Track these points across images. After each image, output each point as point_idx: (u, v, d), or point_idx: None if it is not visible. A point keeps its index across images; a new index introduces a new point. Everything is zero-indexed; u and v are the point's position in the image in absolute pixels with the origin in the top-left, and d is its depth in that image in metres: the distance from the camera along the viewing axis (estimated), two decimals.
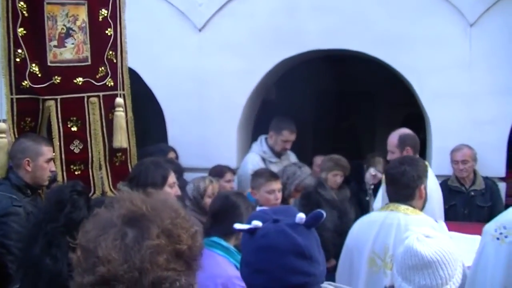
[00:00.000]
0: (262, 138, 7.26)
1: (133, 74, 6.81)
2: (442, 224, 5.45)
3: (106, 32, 5.08)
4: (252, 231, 2.28)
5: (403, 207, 4.16)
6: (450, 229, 5.31)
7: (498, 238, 3.88)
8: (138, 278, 1.82)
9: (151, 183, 4.54)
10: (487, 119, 7.24)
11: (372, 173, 7.04)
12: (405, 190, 4.19)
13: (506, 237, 3.85)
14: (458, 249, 4.06)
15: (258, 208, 5.07)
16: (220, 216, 4.12)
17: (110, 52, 5.09)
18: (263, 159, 7.09)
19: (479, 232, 4.87)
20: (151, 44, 7.68)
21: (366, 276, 4.20)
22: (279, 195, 5.77)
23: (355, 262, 4.30)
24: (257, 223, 2.28)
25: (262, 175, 5.85)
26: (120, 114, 5.04)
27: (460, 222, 6.36)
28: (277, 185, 5.78)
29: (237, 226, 2.36)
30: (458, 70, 7.33)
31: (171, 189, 4.69)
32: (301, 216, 2.28)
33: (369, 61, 7.80)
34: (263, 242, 2.24)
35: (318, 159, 8.05)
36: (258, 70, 7.64)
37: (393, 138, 6.10)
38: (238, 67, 7.59)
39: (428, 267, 2.87)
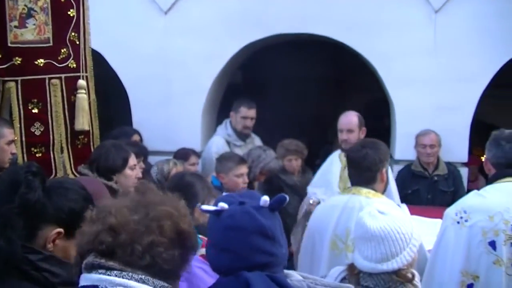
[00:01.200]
0: (227, 121, 7.24)
1: (98, 56, 6.75)
2: (405, 208, 5.51)
3: (69, 13, 4.98)
4: (219, 213, 2.38)
5: (364, 190, 4.18)
6: (412, 213, 5.35)
7: (458, 222, 3.98)
8: (142, 233, 2.04)
9: (112, 166, 4.53)
10: (451, 105, 7.31)
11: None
12: (366, 173, 4.21)
13: (466, 221, 3.94)
14: (418, 231, 4.15)
15: (224, 193, 5.11)
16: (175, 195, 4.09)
17: (73, 34, 5.00)
18: (228, 143, 7.07)
19: (441, 216, 4.94)
20: (116, 26, 7.60)
21: (328, 259, 4.22)
22: (246, 178, 5.79)
23: (317, 245, 4.32)
24: (223, 205, 2.38)
25: (231, 159, 5.85)
26: (82, 96, 4.96)
27: (423, 206, 6.42)
28: (245, 169, 5.82)
29: (204, 207, 2.46)
30: (423, 56, 7.38)
31: (132, 172, 4.67)
32: (265, 199, 2.39)
33: (335, 46, 7.81)
34: (229, 222, 2.34)
35: None
36: (223, 53, 7.61)
37: (353, 117, 6.12)
38: (203, 50, 7.55)
39: (372, 240, 2.96)
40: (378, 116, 9.67)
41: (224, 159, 5.89)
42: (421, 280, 3.39)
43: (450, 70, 7.34)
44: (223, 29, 7.56)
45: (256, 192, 2.71)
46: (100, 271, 2.00)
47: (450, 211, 4.09)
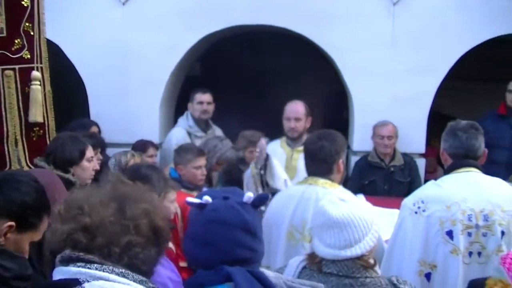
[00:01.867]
0: (188, 112, 7.23)
1: (54, 47, 6.67)
2: (362, 199, 5.56)
3: (23, 2, 4.91)
4: (202, 206, 2.42)
5: (321, 181, 4.19)
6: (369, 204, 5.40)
7: (416, 212, 4.01)
8: (118, 234, 2.00)
9: (69, 158, 4.47)
10: (409, 96, 7.38)
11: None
12: (323, 165, 4.22)
13: (424, 211, 3.98)
14: (376, 221, 4.18)
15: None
16: None
17: (27, 24, 4.93)
18: (189, 134, 7.06)
19: (397, 207, 4.98)
20: (73, 17, 7.49)
21: (285, 250, 4.24)
22: (205, 171, 5.77)
23: (274, 236, 4.31)
24: (207, 198, 2.43)
25: (190, 151, 5.81)
26: (36, 88, 4.89)
27: (379, 196, 6.45)
28: (203, 161, 5.79)
29: (189, 199, 2.49)
30: (381, 48, 7.44)
31: (89, 164, 4.63)
32: (249, 196, 2.47)
33: (295, 38, 7.82)
34: (213, 216, 2.39)
35: None
36: (181, 45, 7.56)
37: (299, 106, 6.17)
38: (161, 42, 7.50)
39: (334, 227, 2.94)
40: (337, 108, 9.72)
41: (182, 151, 5.85)
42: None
43: (407, 62, 7.41)
44: (180, 20, 7.51)
45: (238, 188, 2.73)
46: (79, 264, 1.96)
47: (408, 201, 4.12)
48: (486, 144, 7.09)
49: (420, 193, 4.14)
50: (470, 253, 3.90)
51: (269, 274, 2.49)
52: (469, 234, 3.89)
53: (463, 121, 4.22)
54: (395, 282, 2.99)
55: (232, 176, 6.61)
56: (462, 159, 4.08)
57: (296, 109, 6.19)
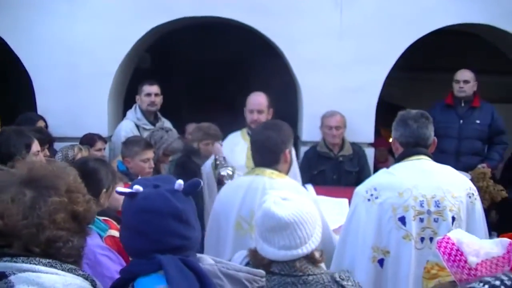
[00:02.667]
0: (136, 105, 7.17)
1: None
2: (310, 188, 5.59)
3: None
4: (133, 195, 2.38)
5: (268, 171, 4.18)
6: (318, 193, 5.44)
7: (369, 200, 4.06)
8: (35, 234, 1.96)
9: (14, 152, 4.39)
10: (357, 87, 7.45)
11: None
12: (270, 155, 4.21)
13: (376, 198, 4.03)
14: (325, 211, 4.23)
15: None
16: None
17: None
18: (137, 126, 7.01)
19: (347, 196, 5.03)
20: (18, 10, 7.37)
21: (233, 240, 4.23)
22: (153, 163, 5.76)
23: (223, 227, 4.31)
24: (138, 187, 2.38)
25: (137, 144, 5.78)
26: None
27: (328, 186, 6.48)
28: (151, 154, 5.79)
29: (119, 189, 2.47)
30: (329, 39, 7.48)
31: (35, 158, 4.55)
32: (179, 183, 2.42)
33: (244, 29, 7.82)
34: (143, 205, 2.35)
35: (190, 127, 8.09)
36: (129, 37, 7.49)
37: (262, 98, 6.17)
38: (108, 34, 7.42)
39: (286, 228, 2.90)
40: (286, 99, 9.75)
41: (130, 144, 5.82)
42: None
43: (355, 53, 7.48)
44: (127, 13, 7.44)
45: (170, 176, 2.70)
46: (4, 258, 1.94)
47: (361, 189, 4.16)
48: (435, 134, 7.26)
49: (373, 181, 4.20)
50: (422, 239, 3.97)
51: (207, 261, 2.48)
52: (421, 220, 3.96)
53: (413, 110, 4.28)
54: (338, 279, 2.98)
55: (186, 168, 6.60)
56: (413, 147, 4.15)
57: (259, 101, 6.19)
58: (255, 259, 3.04)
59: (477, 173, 7.10)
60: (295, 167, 5.78)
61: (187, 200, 2.44)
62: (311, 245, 2.96)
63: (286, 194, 3.09)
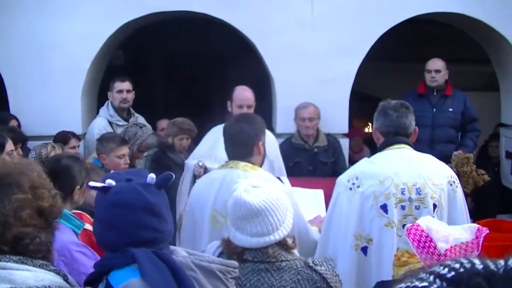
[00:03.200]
0: (108, 102, 7.15)
1: None
2: (285, 180, 5.61)
3: None
4: (106, 189, 2.41)
5: (242, 164, 4.18)
6: (294, 185, 5.46)
7: (350, 188, 4.10)
8: (1, 233, 1.96)
9: None
10: (330, 78, 7.47)
11: None
12: (243, 148, 4.21)
13: (358, 186, 4.07)
14: (300, 203, 4.26)
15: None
16: (52, 179, 4.00)
17: None
18: (110, 123, 6.99)
19: (321, 187, 5.07)
20: None
21: (209, 234, 4.22)
22: (128, 159, 5.75)
23: (198, 221, 4.30)
24: (110, 181, 2.41)
25: (112, 140, 5.77)
26: None
27: (304, 177, 6.50)
28: (126, 150, 5.78)
29: (92, 183, 2.51)
30: (301, 31, 7.48)
31: (9, 158, 4.53)
32: (152, 177, 2.45)
33: (220, 24, 7.80)
34: (115, 198, 2.39)
35: (162, 123, 8.11)
36: (101, 33, 7.41)
37: (249, 93, 6.16)
38: (80, 31, 7.33)
39: (258, 215, 2.94)
40: (263, 92, 9.76)
41: (105, 140, 5.81)
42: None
43: (328, 44, 7.48)
44: (98, 9, 7.37)
45: (143, 170, 2.72)
46: None
47: (343, 178, 4.21)
48: None
49: (354, 170, 4.24)
50: (404, 226, 3.99)
51: (180, 253, 2.49)
52: (403, 207, 4.02)
53: (393, 100, 4.33)
54: (311, 264, 3.03)
55: (160, 163, 6.61)
56: (393, 136, 4.19)
57: (247, 96, 6.17)
58: (228, 248, 3.08)
59: (461, 158, 7.17)
60: (280, 162, 5.79)
61: (159, 194, 2.47)
62: (283, 231, 3.01)
63: (256, 182, 3.12)
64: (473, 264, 1.06)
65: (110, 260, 2.41)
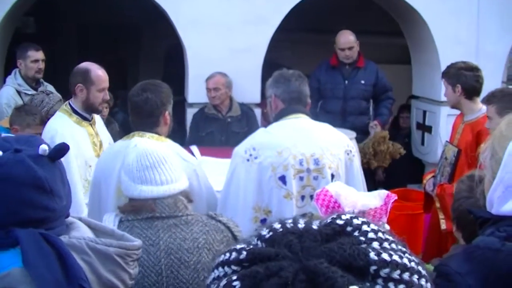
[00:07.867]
0: (16, 70, 6.90)
1: None
2: (195, 150, 5.58)
3: None
4: None
5: (148, 134, 4.05)
6: (204, 155, 5.43)
7: (248, 160, 4.04)
8: None
9: None
10: (243, 47, 7.43)
11: None
12: (149, 118, 4.06)
13: (255, 158, 4.02)
14: (210, 173, 4.25)
15: None
16: None
17: None
18: (19, 92, 6.76)
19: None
20: None
21: (115, 206, 4.14)
22: None
23: (103, 194, 4.14)
24: None
25: (33, 117, 5.57)
26: None
27: (215, 147, 6.44)
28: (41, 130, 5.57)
29: None
30: None
31: None
32: (44, 148, 2.16)
33: None
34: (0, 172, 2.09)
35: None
36: None
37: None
38: None
39: (164, 162, 3.01)
40: (178, 61, 9.67)
41: (24, 113, 5.61)
42: None
43: (241, 13, 7.45)
44: None
45: (37, 136, 2.47)
46: None
47: (239, 149, 4.15)
48: (322, 95, 7.36)
49: (251, 141, 4.18)
50: (303, 197, 4.02)
51: (77, 232, 2.27)
52: (301, 178, 4.00)
53: (289, 70, 4.32)
54: (213, 215, 3.13)
55: None
56: (296, 104, 4.16)
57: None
58: (132, 210, 3.08)
59: (378, 137, 7.30)
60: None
61: (52, 167, 2.19)
62: (186, 180, 3.07)
63: (142, 140, 3.15)
64: (295, 223, 1.12)
65: None
